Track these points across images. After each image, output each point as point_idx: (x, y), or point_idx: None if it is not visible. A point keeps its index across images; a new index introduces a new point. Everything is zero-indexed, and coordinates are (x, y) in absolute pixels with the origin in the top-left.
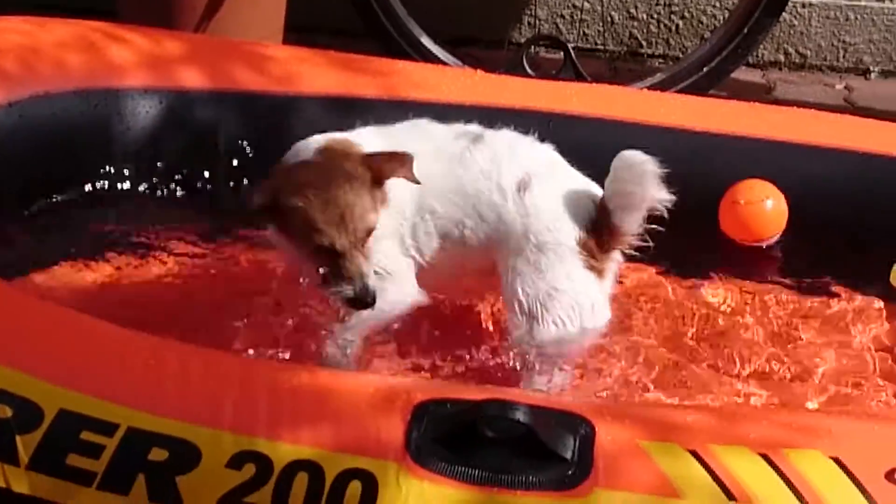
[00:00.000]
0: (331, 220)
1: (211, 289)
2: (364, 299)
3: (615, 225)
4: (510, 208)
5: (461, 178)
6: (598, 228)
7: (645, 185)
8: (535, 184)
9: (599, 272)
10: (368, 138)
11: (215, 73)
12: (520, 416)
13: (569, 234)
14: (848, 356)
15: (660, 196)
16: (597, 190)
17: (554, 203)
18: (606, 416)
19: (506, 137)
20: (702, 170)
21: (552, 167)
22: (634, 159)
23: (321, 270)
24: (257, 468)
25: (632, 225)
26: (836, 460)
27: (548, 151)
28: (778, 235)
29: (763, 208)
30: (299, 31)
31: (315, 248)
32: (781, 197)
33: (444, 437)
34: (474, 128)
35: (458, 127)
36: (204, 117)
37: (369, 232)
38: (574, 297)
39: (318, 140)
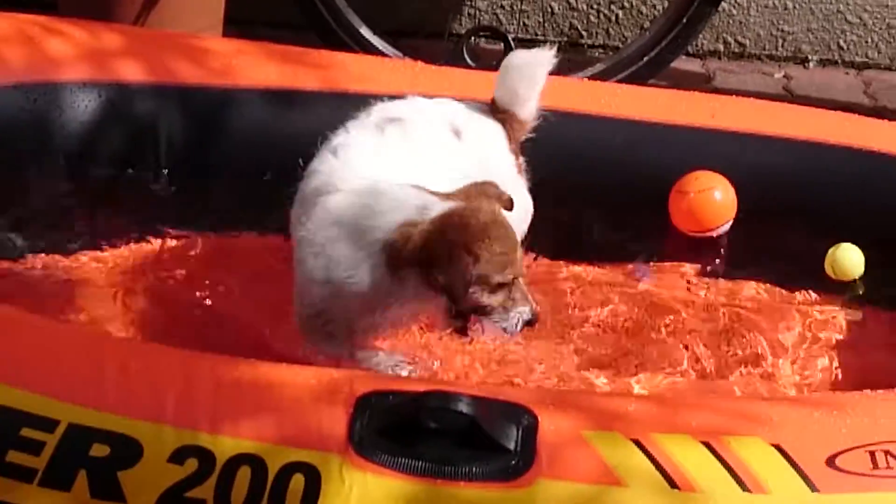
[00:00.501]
0: (513, 255)
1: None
2: (535, 318)
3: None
4: None
5: None
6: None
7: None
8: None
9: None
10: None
11: (155, 66)
12: (462, 407)
13: None
14: (791, 345)
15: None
16: None
17: None
18: (549, 406)
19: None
20: (641, 159)
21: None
22: (518, 60)
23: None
24: (200, 463)
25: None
26: (778, 447)
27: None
28: (728, 225)
29: (712, 198)
30: (239, 23)
31: (496, 287)
32: (730, 186)
33: (387, 429)
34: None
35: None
36: (143, 110)
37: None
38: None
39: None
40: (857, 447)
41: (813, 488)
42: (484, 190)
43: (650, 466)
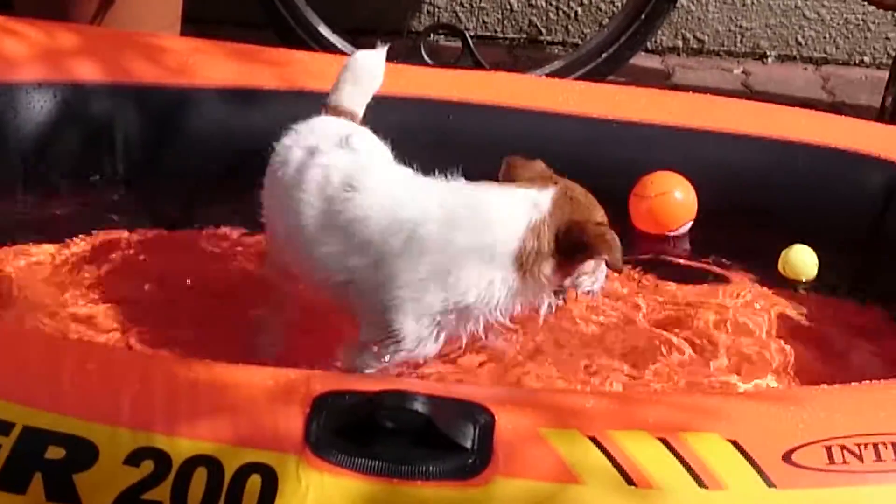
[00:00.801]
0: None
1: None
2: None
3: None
4: None
5: None
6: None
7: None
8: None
9: None
10: None
11: (111, 66)
12: (418, 406)
13: None
14: (748, 341)
15: None
16: None
17: None
18: (506, 404)
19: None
20: (601, 155)
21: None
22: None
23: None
24: (156, 464)
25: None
26: (735, 443)
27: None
28: (689, 225)
29: (672, 200)
30: (197, 22)
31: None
32: (690, 187)
33: (344, 429)
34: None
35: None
36: (100, 110)
37: None
38: None
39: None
40: (814, 442)
41: (769, 483)
42: (538, 169)
43: (607, 463)
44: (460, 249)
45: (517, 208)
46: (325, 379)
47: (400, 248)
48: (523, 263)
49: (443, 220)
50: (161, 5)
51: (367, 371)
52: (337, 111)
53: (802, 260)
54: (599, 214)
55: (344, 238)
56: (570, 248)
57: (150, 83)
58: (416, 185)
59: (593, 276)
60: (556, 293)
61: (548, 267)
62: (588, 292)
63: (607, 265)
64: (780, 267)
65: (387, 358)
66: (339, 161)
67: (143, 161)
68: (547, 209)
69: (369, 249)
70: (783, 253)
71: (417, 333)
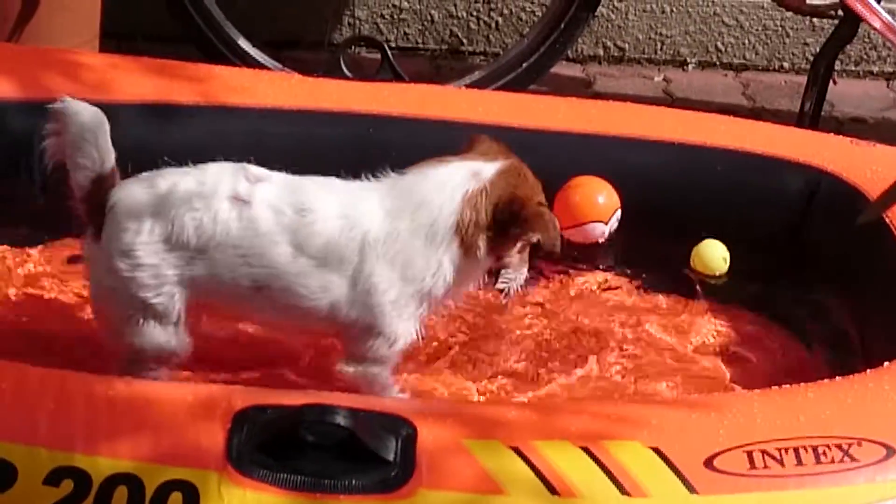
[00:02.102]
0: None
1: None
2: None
3: None
4: None
5: None
6: None
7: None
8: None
9: None
10: None
11: (28, 83)
12: (340, 419)
13: None
14: (667, 348)
15: None
16: None
17: None
18: (428, 416)
19: None
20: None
21: None
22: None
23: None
24: (76, 484)
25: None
26: (656, 450)
27: None
28: (611, 228)
29: (595, 202)
30: (117, 37)
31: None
32: (612, 190)
33: (266, 444)
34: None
35: None
36: (17, 127)
37: None
38: None
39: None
40: (735, 448)
41: (692, 490)
42: (490, 144)
43: (530, 473)
44: (407, 238)
45: (453, 178)
46: (246, 394)
47: (360, 258)
48: (463, 239)
49: (385, 217)
50: (79, 21)
51: (381, 379)
52: None
53: (712, 254)
54: (542, 198)
55: (316, 263)
56: (505, 221)
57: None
58: (353, 193)
59: (517, 269)
60: (498, 275)
61: (483, 242)
62: (504, 291)
63: (541, 245)
64: (691, 261)
65: (387, 359)
66: (270, 193)
67: (61, 178)
68: (488, 179)
69: (342, 267)
70: (694, 248)
71: (406, 329)
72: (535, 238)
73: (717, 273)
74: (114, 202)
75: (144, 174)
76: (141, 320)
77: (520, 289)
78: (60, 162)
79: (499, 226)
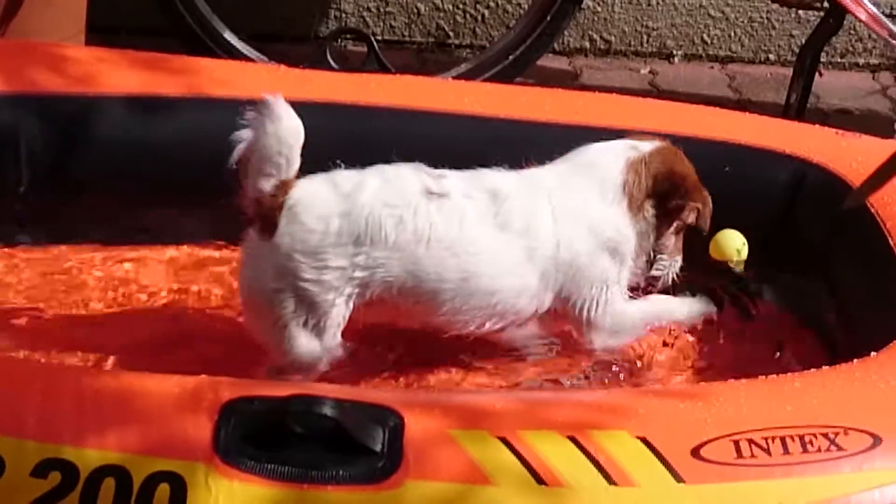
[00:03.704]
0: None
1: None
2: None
3: None
4: None
5: None
6: None
7: None
8: None
9: None
10: None
11: (14, 76)
12: (327, 410)
13: None
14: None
15: None
16: None
17: None
18: (415, 407)
19: None
20: (505, 156)
21: None
22: None
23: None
24: (63, 476)
25: None
26: (644, 439)
27: None
28: None
29: None
30: (102, 31)
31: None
32: None
33: (253, 435)
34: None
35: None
36: (3, 121)
37: None
38: None
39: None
40: (722, 437)
41: (679, 479)
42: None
43: (517, 463)
44: (582, 194)
45: (615, 147)
46: (233, 385)
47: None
48: (632, 199)
49: (559, 179)
50: (65, 15)
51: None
52: None
53: (728, 243)
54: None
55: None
56: (666, 192)
57: (55, 92)
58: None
59: (671, 255)
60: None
61: (649, 209)
62: (660, 278)
63: (697, 223)
64: (711, 248)
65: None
66: (458, 184)
67: (47, 171)
68: (647, 152)
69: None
70: (714, 237)
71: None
72: (692, 215)
73: (735, 261)
74: (294, 202)
75: (318, 175)
76: (305, 325)
77: (676, 277)
78: (245, 159)
79: (659, 197)
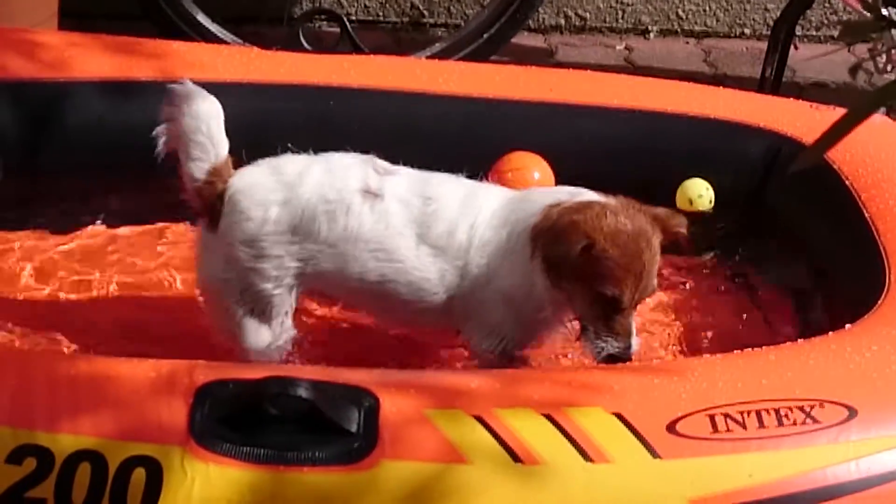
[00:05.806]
0: (631, 274)
1: None
2: (624, 358)
3: None
4: None
5: None
6: None
7: None
8: None
9: None
10: None
11: None
12: (302, 391)
13: None
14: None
15: None
16: None
17: None
18: (391, 387)
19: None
20: (480, 135)
21: None
22: None
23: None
24: (38, 461)
25: None
26: (619, 415)
27: None
28: None
29: (530, 178)
30: (75, 16)
31: (596, 298)
32: (547, 166)
33: (229, 418)
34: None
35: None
36: None
37: (651, 294)
38: None
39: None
40: (697, 412)
41: (654, 454)
42: (654, 212)
43: (493, 442)
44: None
45: (551, 195)
46: (208, 368)
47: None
48: (532, 248)
49: (488, 213)
50: (37, 1)
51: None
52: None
53: (690, 191)
54: (611, 251)
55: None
56: (556, 257)
57: (27, 78)
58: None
59: (598, 330)
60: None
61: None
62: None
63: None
64: (676, 199)
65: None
66: (400, 186)
67: (20, 156)
68: (567, 206)
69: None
70: (680, 185)
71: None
72: (610, 289)
73: (701, 209)
74: (234, 190)
75: (263, 161)
76: (252, 313)
77: (608, 356)
78: (173, 150)
79: (548, 259)
